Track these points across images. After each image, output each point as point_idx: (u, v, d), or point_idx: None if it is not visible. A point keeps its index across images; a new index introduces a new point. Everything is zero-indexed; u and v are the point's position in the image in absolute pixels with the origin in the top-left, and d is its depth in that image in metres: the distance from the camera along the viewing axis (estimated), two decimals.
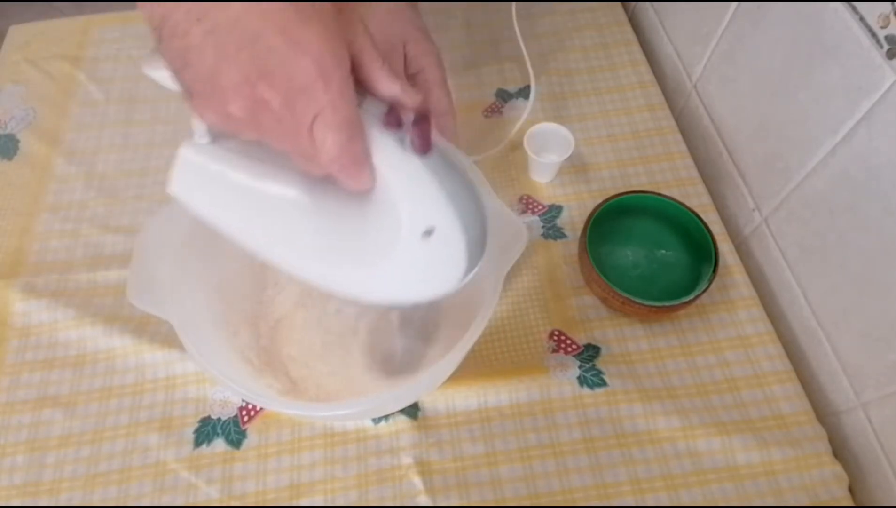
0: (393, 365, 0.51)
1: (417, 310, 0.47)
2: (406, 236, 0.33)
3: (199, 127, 0.34)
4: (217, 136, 0.35)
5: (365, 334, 0.53)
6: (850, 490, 0.49)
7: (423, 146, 0.32)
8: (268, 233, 0.36)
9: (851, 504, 0.48)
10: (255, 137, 0.31)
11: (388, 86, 0.33)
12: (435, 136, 0.33)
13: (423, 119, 0.32)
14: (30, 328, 0.56)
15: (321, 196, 0.34)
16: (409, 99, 0.33)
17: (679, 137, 0.67)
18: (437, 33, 0.74)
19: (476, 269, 0.36)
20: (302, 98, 0.28)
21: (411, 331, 0.49)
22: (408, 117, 0.32)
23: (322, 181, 0.34)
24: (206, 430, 0.52)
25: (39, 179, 0.66)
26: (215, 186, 0.35)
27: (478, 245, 0.35)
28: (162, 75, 0.30)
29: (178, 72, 0.29)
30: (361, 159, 0.31)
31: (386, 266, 0.35)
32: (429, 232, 0.33)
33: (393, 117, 0.32)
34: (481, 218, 0.35)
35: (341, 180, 0.32)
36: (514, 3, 0.62)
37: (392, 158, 0.32)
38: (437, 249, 0.34)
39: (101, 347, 0.55)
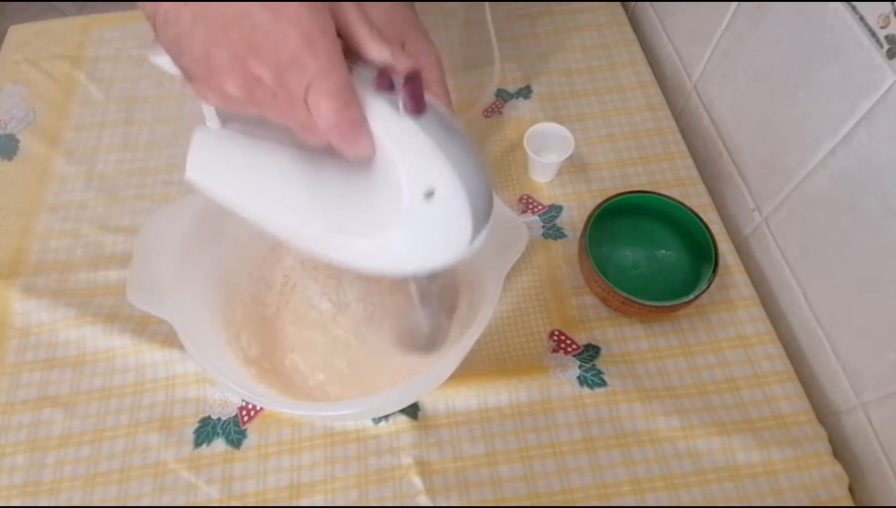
0: (421, 340, 0.51)
1: (434, 281, 0.46)
2: (408, 199, 0.33)
3: (208, 112, 0.35)
4: (226, 119, 0.36)
5: (372, 330, 0.53)
6: (850, 490, 0.49)
7: (417, 107, 0.32)
8: (279, 210, 0.37)
9: (851, 504, 0.48)
10: (255, 112, 0.32)
11: (377, 51, 0.33)
12: (429, 97, 0.33)
13: (414, 79, 0.32)
14: (30, 328, 0.56)
15: (324, 169, 0.36)
16: (401, 63, 0.33)
17: (679, 137, 0.67)
18: (436, 33, 0.74)
19: (485, 232, 0.36)
20: (292, 69, 0.29)
21: (433, 303, 0.49)
22: (399, 80, 0.32)
23: (325, 154, 0.34)
24: (206, 430, 0.52)
25: (39, 179, 0.66)
26: (227, 168, 0.37)
27: (482, 205, 0.35)
28: (166, 61, 0.32)
29: (175, 58, 0.31)
30: (359, 124, 0.32)
31: (391, 233, 0.35)
32: (430, 193, 0.33)
33: (384, 80, 0.32)
34: (484, 178, 0.35)
35: (341, 148, 0.32)
36: (487, 4, 0.63)
37: (387, 121, 0.32)
38: (440, 211, 0.34)
39: (101, 347, 0.55)
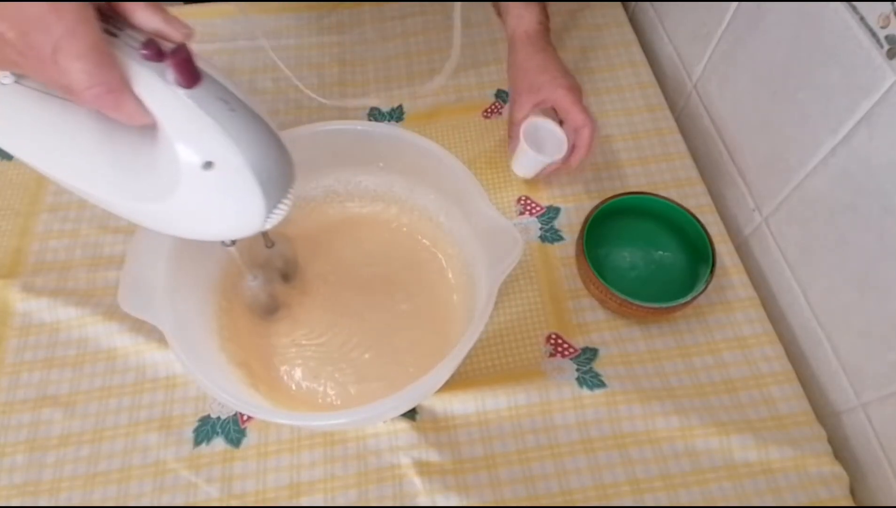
0: (260, 307, 0.52)
1: (260, 251, 0.47)
2: (184, 169, 0.33)
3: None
4: (20, 75, 0.34)
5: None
6: (851, 490, 0.49)
7: (187, 80, 0.31)
8: (69, 171, 0.36)
9: (851, 504, 0.48)
10: (6, 69, 0.30)
11: (146, 17, 0.31)
12: (204, 66, 0.32)
13: (181, 50, 0.31)
14: (29, 327, 0.57)
15: (118, 130, 0.34)
16: (174, 31, 0.31)
17: (679, 137, 0.67)
18: (436, 33, 0.74)
19: (284, 206, 0.36)
20: (36, 30, 0.28)
21: (265, 272, 0.49)
22: (169, 49, 0.31)
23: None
24: (206, 429, 0.52)
25: (39, 179, 0.66)
26: (17, 125, 0.35)
27: (275, 176, 0.34)
28: None
29: None
30: (118, 88, 0.30)
31: (175, 201, 0.34)
32: (208, 165, 0.33)
33: (151, 50, 0.30)
34: (274, 149, 0.34)
35: (106, 113, 0.31)
36: (458, 4, 0.61)
37: (155, 92, 0.31)
38: (222, 182, 0.33)
39: (101, 347, 0.55)
